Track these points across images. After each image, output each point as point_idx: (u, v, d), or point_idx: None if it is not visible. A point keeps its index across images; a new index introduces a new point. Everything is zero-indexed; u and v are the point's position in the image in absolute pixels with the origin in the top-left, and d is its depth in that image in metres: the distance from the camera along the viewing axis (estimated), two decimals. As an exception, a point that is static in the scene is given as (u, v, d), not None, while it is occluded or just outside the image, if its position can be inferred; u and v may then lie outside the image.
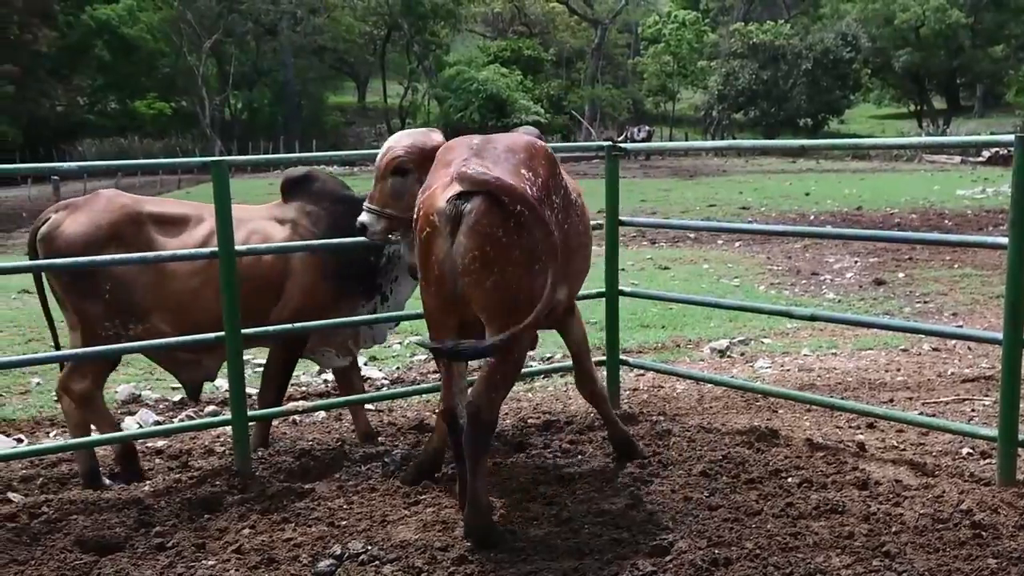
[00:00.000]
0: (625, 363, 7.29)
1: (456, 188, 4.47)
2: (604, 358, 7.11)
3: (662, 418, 6.69)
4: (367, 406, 7.05)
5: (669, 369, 7.81)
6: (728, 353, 9.54)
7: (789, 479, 5.30)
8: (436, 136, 5.43)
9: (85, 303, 5.76)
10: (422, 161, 5.26)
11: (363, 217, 5.43)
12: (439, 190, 4.53)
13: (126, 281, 5.78)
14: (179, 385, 8.64)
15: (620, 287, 7.14)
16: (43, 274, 5.97)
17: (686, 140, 60.85)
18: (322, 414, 7.41)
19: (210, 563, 4.48)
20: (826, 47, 63.19)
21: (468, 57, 69.14)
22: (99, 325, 5.80)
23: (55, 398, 8.38)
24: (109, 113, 60.56)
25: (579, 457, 5.85)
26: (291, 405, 7.24)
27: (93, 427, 6.07)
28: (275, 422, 7.17)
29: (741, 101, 65.44)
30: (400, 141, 5.44)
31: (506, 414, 7.10)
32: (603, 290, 7.03)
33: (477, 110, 60.55)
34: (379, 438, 6.51)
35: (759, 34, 63.41)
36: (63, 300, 5.92)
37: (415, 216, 4.67)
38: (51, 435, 7.31)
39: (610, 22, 73.17)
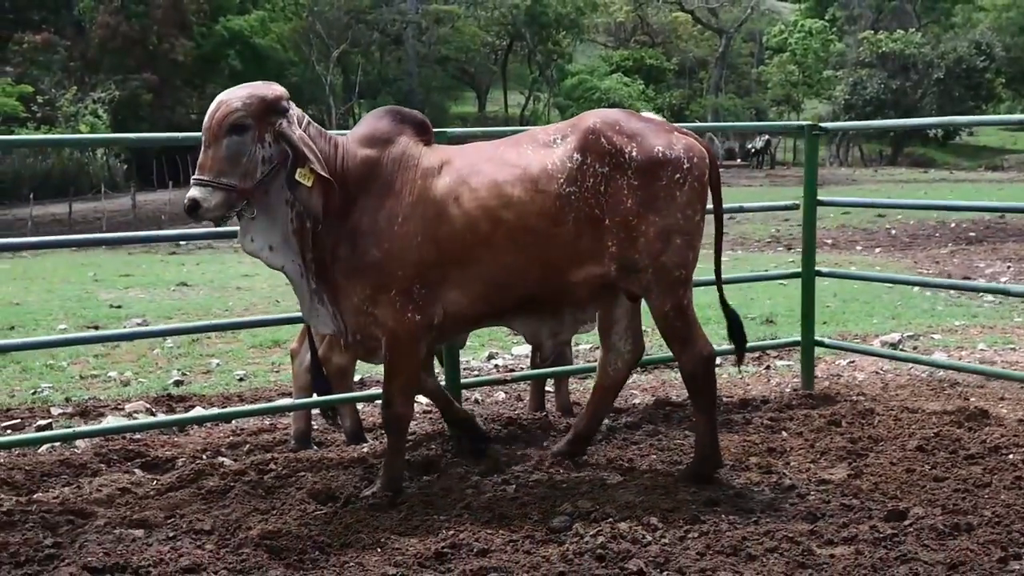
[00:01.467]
0: (821, 344, 7.20)
1: (685, 138, 4.87)
2: (798, 339, 7.08)
3: (862, 398, 6.63)
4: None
5: (872, 350, 7.71)
6: (900, 347, 9.38)
7: (1011, 456, 5.22)
8: (277, 87, 4.66)
9: None
10: (262, 114, 4.52)
11: (194, 192, 4.47)
12: (690, 139, 4.85)
13: None
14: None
15: (811, 270, 7.03)
16: None
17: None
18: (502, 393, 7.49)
19: (443, 518, 4.57)
20: (959, 56, 61.62)
21: (590, 67, 69.11)
22: None
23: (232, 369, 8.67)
24: (239, 121, 62.05)
25: (783, 433, 5.83)
26: (500, 375, 7.35)
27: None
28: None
29: (868, 111, 64.01)
30: (235, 93, 4.58)
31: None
32: (799, 271, 6.97)
33: (599, 119, 60.45)
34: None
35: (889, 43, 62.11)
36: None
37: (684, 162, 4.73)
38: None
39: (735, 31, 72.41)
